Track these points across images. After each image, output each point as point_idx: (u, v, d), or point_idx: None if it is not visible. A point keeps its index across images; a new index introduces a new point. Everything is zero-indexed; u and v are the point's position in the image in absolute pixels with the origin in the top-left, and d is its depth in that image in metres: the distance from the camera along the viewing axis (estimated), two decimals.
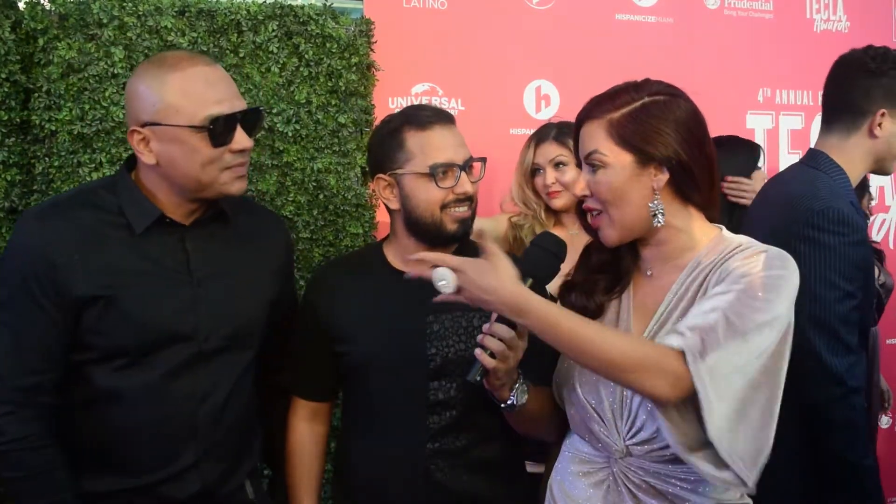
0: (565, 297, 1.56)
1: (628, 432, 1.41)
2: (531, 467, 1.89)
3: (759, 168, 2.86)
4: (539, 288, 1.50)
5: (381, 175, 1.71)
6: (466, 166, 1.67)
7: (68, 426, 1.55)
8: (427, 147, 1.66)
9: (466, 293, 1.33)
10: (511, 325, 1.43)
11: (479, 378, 1.46)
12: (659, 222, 1.39)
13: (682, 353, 1.26)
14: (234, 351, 1.63)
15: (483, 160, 1.72)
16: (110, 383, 1.53)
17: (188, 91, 1.49)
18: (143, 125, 1.51)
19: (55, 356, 1.52)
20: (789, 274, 1.35)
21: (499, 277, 1.30)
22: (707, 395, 1.24)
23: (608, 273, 1.52)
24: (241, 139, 1.53)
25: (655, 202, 1.39)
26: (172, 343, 1.55)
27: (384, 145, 1.71)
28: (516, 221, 2.50)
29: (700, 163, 1.40)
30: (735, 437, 1.26)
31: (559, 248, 1.51)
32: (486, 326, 1.45)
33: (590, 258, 1.56)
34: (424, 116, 1.69)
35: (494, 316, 1.45)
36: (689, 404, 1.28)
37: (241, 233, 1.67)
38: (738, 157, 2.75)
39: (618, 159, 1.39)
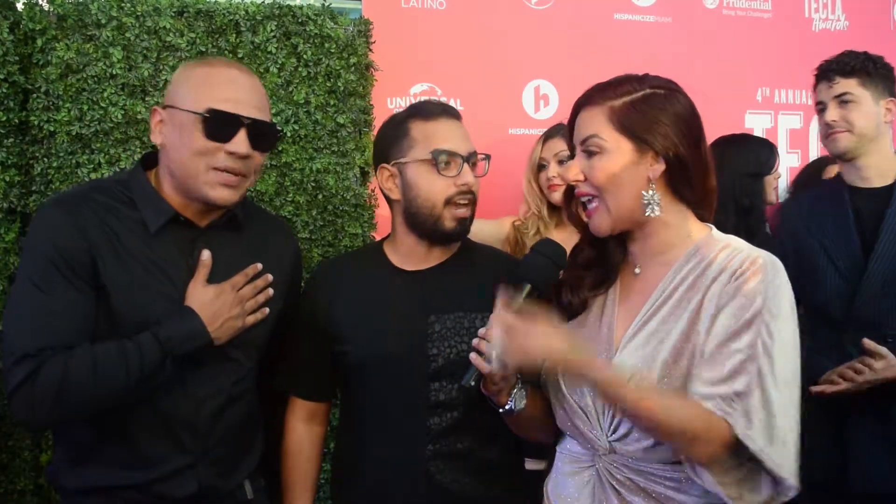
0: (555, 294, 1.56)
1: (609, 427, 1.41)
2: (530, 464, 1.89)
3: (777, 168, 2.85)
4: (537, 294, 1.50)
5: (384, 164, 1.71)
6: (470, 159, 1.67)
7: (68, 422, 1.55)
8: (431, 135, 1.66)
9: (515, 361, 1.35)
10: None
11: (473, 383, 1.46)
12: (653, 212, 1.39)
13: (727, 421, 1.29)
14: (238, 355, 1.63)
15: (487, 157, 1.72)
16: None
17: (205, 83, 1.54)
18: (165, 107, 1.57)
19: (89, 332, 1.50)
20: (784, 286, 1.35)
21: (555, 340, 1.32)
22: (763, 451, 1.28)
23: (595, 269, 1.52)
24: (239, 143, 1.53)
25: (651, 192, 1.39)
26: None
27: (389, 136, 1.72)
28: (520, 225, 2.50)
29: (696, 159, 1.40)
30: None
31: (558, 256, 1.51)
32: (481, 331, 1.44)
33: (577, 255, 1.56)
34: (431, 108, 1.70)
35: (491, 320, 1.45)
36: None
37: (252, 241, 1.68)
38: (759, 153, 2.74)
39: (617, 145, 1.39)
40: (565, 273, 1.56)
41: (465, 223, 1.68)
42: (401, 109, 1.77)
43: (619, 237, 1.48)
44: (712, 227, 1.48)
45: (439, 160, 1.63)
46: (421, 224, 1.67)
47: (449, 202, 1.64)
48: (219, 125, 1.51)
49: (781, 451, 1.29)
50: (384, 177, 1.71)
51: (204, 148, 1.51)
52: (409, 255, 1.72)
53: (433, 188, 1.64)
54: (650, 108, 1.39)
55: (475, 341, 1.44)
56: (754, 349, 1.30)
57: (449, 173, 1.64)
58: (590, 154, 1.42)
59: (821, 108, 2.29)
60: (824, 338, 2.21)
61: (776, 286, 1.34)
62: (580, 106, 1.46)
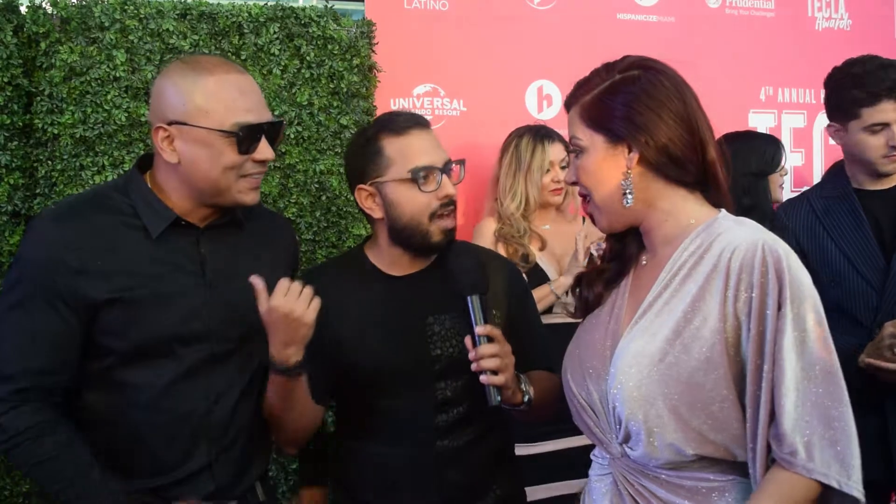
0: (574, 288, 1.56)
1: (617, 427, 1.35)
2: (520, 450, 1.91)
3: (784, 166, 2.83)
4: (488, 297, 1.55)
5: (361, 185, 1.69)
6: (446, 169, 1.67)
7: (84, 430, 1.54)
8: (406, 151, 1.64)
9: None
10: (488, 338, 1.48)
11: (499, 398, 1.49)
12: (627, 202, 1.36)
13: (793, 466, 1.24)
14: (246, 353, 1.63)
15: (462, 162, 1.72)
16: (126, 385, 1.53)
17: (220, 96, 1.51)
18: (170, 123, 1.52)
19: (68, 359, 1.51)
20: (797, 266, 1.28)
21: None
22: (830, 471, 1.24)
23: (615, 262, 1.50)
24: (264, 150, 1.55)
25: (627, 181, 1.36)
26: (187, 344, 1.55)
27: (362, 155, 1.69)
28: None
29: (679, 137, 1.34)
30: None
31: (468, 252, 1.59)
32: (471, 355, 1.48)
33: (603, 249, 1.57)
34: (401, 122, 1.68)
35: (469, 343, 1.49)
36: None
37: (253, 237, 1.68)
38: (764, 151, 2.72)
39: (591, 142, 1.38)
40: (586, 268, 1.57)
41: (450, 234, 1.69)
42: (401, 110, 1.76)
43: (636, 231, 1.46)
44: (722, 210, 1.40)
45: (419, 177, 1.63)
46: (408, 239, 1.67)
47: (434, 216, 1.65)
48: (248, 138, 1.52)
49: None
50: (363, 197, 1.69)
51: (235, 162, 1.53)
52: (395, 263, 1.72)
53: (416, 205, 1.64)
54: (615, 95, 1.35)
55: (474, 367, 1.48)
56: (795, 371, 1.25)
57: (429, 188, 1.64)
58: (576, 155, 1.42)
59: (880, 127, 2.18)
60: (850, 334, 2.15)
61: (799, 280, 1.28)
62: (567, 108, 1.46)
